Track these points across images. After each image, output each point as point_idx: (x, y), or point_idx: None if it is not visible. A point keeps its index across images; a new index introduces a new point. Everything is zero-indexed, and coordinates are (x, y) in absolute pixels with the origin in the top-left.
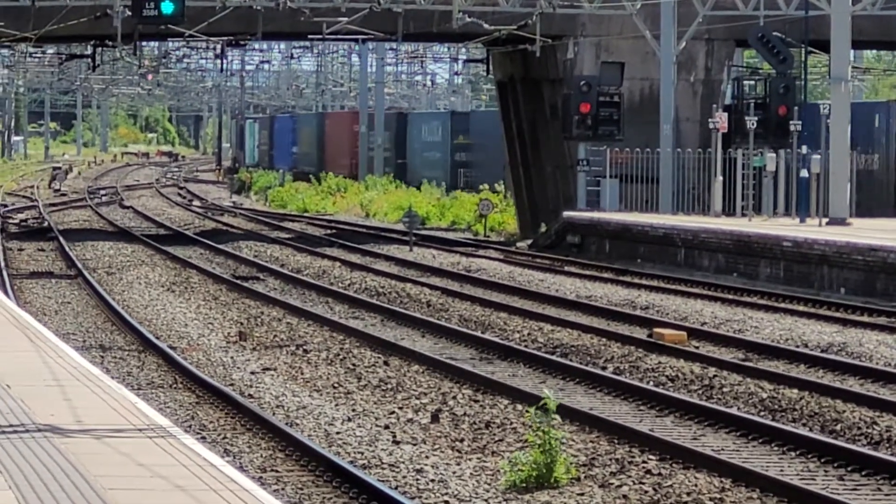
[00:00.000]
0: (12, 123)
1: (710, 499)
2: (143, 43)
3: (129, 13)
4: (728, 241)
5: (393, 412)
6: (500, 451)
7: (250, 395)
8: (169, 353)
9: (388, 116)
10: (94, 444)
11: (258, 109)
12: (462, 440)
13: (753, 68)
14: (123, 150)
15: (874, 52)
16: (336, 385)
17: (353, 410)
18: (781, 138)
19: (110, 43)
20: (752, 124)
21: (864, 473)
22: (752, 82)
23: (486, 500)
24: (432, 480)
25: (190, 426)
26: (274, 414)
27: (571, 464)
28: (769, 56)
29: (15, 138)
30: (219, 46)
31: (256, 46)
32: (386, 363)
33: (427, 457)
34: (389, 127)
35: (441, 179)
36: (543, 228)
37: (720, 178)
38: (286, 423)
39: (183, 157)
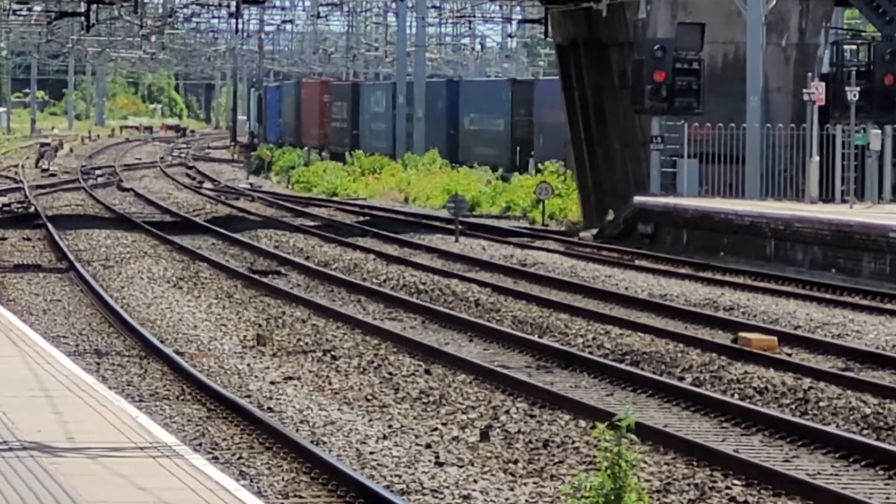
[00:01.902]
0: None
1: None
2: None
3: None
4: (825, 232)
5: (436, 429)
6: (561, 474)
7: (270, 409)
8: (175, 360)
9: (344, 87)
10: (87, 464)
11: (279, 77)
12: (516, 461)
13: (855, 31)
14: (122, 124)
15: None
16: (370, 397)
17: (390, 427)
18: (887, 112)
19: None
20: (854, 96)
21: None
22: (854, 47)
23: None
24: None
25: (200, 444)
26: (297, 430)
27: (643, 489)
28: (873, 16)
29: None
30: (233, 3)
31: (277, 3)
32: (427, 372)
33: (475, 481)
34: (346, 97)
35: (385, 151)
36: (611, 216)
37: (816, 158)
38: (312, 442)
39: (192, 131)
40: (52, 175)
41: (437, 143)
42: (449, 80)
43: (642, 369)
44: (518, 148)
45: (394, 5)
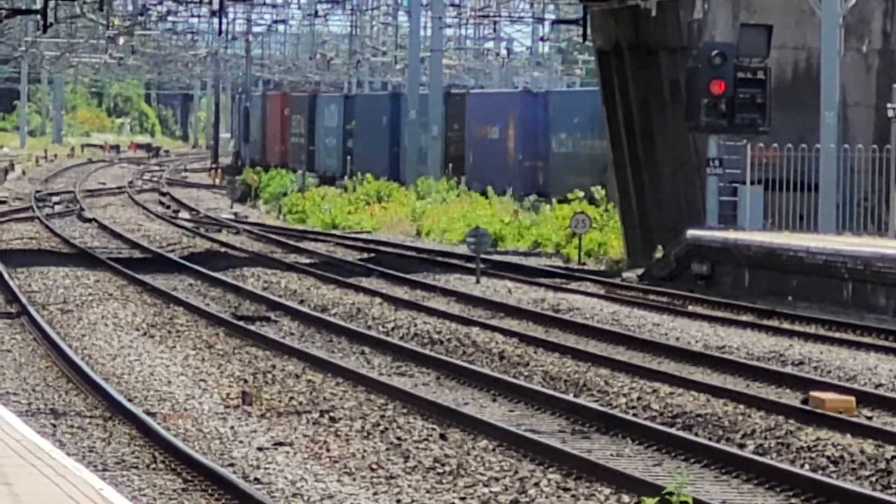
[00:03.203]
0: None
1: None
2: None
3: None
4: None
5: None
6: None
7: (257, 480)
8: (146, 422)
9: (302, 99)
10: None
11: (269, 86)
12: None
13: None
14: (84, 142)
15: None
16: (374, 466)
17: (398, 502)
18: None
19: None
20: None
21: None
22: None
23: None
24: None
25: None
26: None
27: None
28: None
29: None
30: (216, 0)
31: (268, 0)
32: (443, 437)
33: None
34: (302, 110)
35: (335, 170)
36: (659, 253)
37: None
38: None
39: (166, 151)
40: (2, 202)
41: (379, 162)
42: (393, 92)
43: (696, 435)
44: (451, 165)
45: (405, 2)
